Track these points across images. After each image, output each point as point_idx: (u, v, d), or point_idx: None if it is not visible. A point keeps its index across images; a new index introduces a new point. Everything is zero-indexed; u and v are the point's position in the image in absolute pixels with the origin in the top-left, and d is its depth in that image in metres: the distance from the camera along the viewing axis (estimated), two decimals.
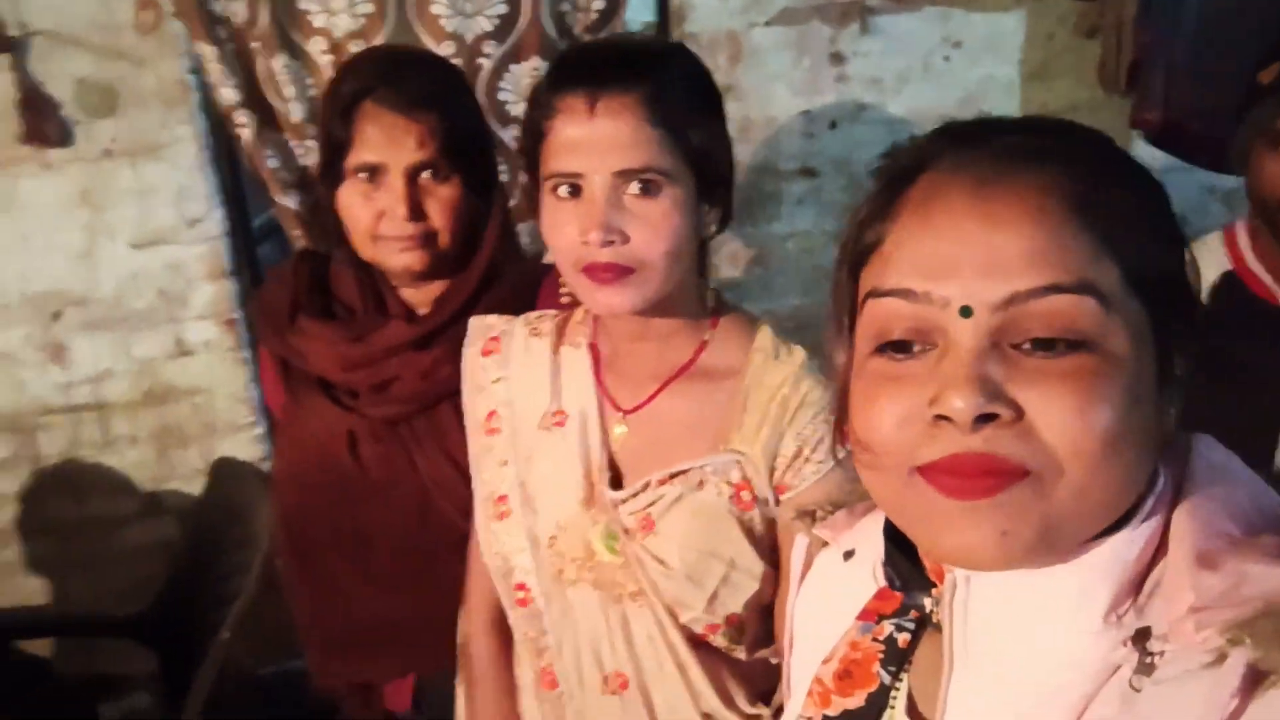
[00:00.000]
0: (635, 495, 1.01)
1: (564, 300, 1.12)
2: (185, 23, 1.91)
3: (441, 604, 1.21)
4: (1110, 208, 0.52)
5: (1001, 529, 0.49)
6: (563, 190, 0.94)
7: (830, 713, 0.64)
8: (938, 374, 0.51)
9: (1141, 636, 0.51)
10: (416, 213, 1.19)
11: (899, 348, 0.54)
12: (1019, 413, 0.49)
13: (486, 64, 1.90)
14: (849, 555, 0.69)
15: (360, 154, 1.18)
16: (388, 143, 1.17)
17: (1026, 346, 0.50)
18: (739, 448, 1.00)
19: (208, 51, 1.90)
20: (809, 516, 0.73)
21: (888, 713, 0.62)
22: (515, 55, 1.90)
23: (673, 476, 1.00)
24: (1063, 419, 0.49)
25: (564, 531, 1.05)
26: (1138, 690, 0.50)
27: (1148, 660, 0.50)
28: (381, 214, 1.19)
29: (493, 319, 1.15)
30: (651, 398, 1.04)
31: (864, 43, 2.14)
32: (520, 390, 1.10)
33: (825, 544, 0.73)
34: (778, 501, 1.00)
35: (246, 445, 2.17)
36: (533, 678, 1.11)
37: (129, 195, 2.01)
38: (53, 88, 1.95)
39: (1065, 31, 2.17)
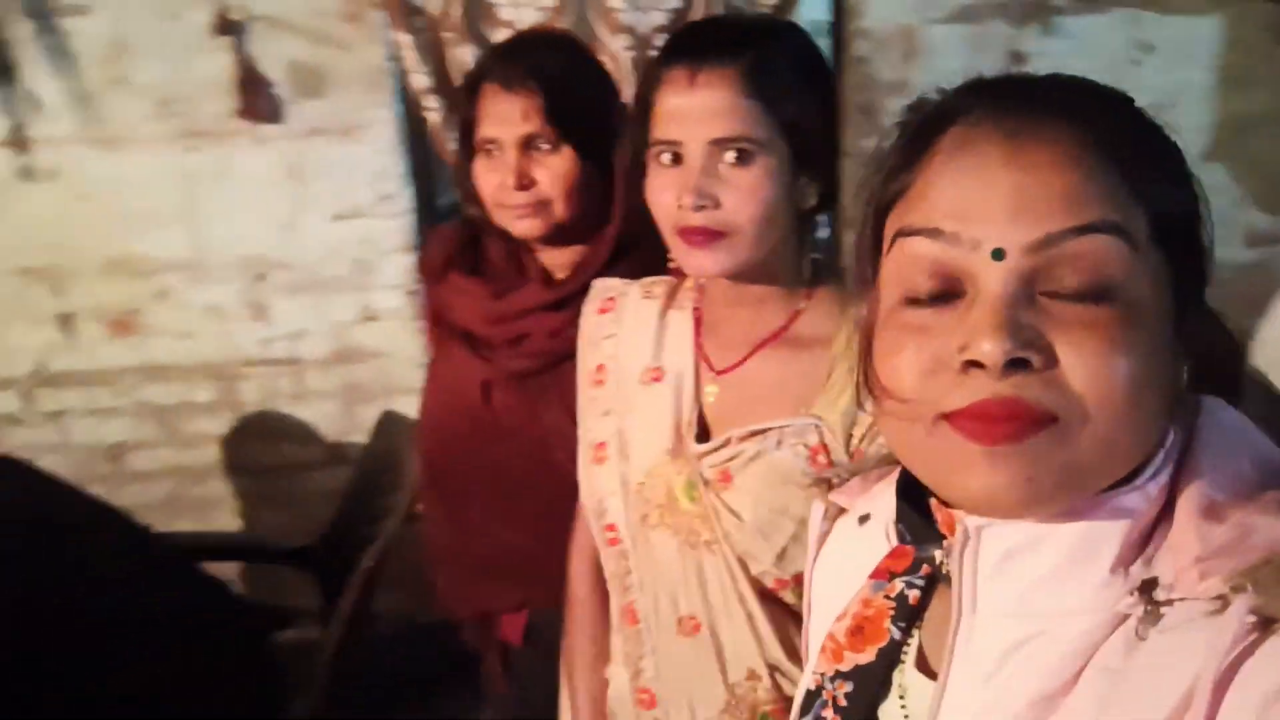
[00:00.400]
0: (717, 449, 1.06)
1: (671, 267, 1.17)
2: (386, 12, 2.05)
3: (556, 543, 1.29)
4: (1138, 157, 0.53)
5: (1026, 474, 0.50)
6: (665, 157, 1.00)
7: (842, 668, 0.65)
8: (967, 321, 0.51)
9: (1148, 587, 0.51)
10: (526, 181, 1.28)
11: (927, 289, 0.53)
12: (1049, 359, 0.50)
13: None
14: (864, 520, 0.70)
15: (482, 129, 1.30)
16: (499, 118, 1.28)
17: (1058, 292, 0.50)
18: (819, 413, 1.03)
19: (404, 40, 2.04)
20: (824, 483, 0.75)
21: (899, 668, 0.63)
22: None
23: (753, 434, 1.04)
24: (1092, 366, 0.49)
25: (651, 478, 1.10)
26: (1143, 639, 0.50)
27: (1152, 610, 0.51)
28: (501, 184, 1.29)
29: (615, 282, 1.22)
30: (743, 360, 1.08)
31: (1047, 43, 2.10)
32: (627, 346, 1.16)
33: (842, 510, 0.73)
34: None
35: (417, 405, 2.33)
36: (618, 612, 1.18)
37: (330, 171, 2.18)
38: (267, 68, 2.13)
39: (1267, 39, 2.07)
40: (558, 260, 1.39)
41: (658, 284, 1.19)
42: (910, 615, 0.62)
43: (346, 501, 2.14)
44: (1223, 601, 0.48)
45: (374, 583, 1.75)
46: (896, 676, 0.62)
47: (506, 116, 1.28)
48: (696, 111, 0.97)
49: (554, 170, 1.29)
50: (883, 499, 0.67)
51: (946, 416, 0.51)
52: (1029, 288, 0.51)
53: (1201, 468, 0.53)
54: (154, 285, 2.26)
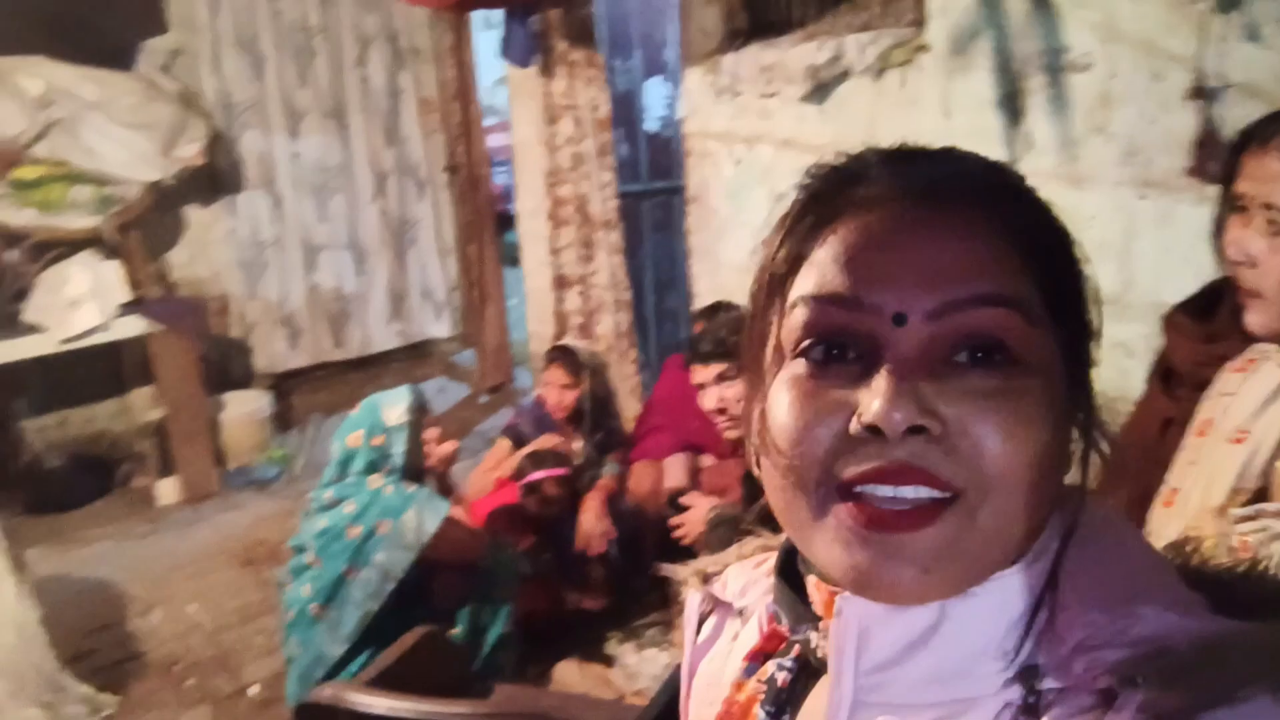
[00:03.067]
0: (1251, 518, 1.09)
1: None
2: None
3: None
4: (1032, 234, 0.53)
5: (924, 565, 0.48)
6: None
7: None
8: (866, 383, 0.50)
9: (1029, 674, 0.50)
10: None
11: (825, 352, 0.52)
12: (947, 429, 0.48)
13: None
14: (741, 612, 0.67)
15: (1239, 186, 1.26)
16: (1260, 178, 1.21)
17: (958, 361, 0.50)
18: None
19: None
20: (702, 574, 0.71)
21: None
22: None
23: None
24: (989, 439, 0.48)
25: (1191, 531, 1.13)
26: None
27: (1032, 700, 0.49)
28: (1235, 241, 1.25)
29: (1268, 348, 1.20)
30: None
31: None
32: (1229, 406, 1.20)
33: (718, 602, 0.69)
34: None
35: None
36: None
37: None
38: (1227, 132, 2.18)
39: None
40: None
41: None
42: (779, 698, 0.59)
43: None
44: (1109, 695, 0.46)
45: None
46: None
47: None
48: None
49: None
50: (759, 588, 0.66)
51: (839, 488, 0.50)
52: (929, 355, 0.50)
53: (1086, 556, 0.51)
54: None
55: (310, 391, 5.21)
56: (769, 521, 0.59)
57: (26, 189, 3.83)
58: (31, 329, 3.91)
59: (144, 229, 4.33)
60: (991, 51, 2.57)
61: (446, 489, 2.84)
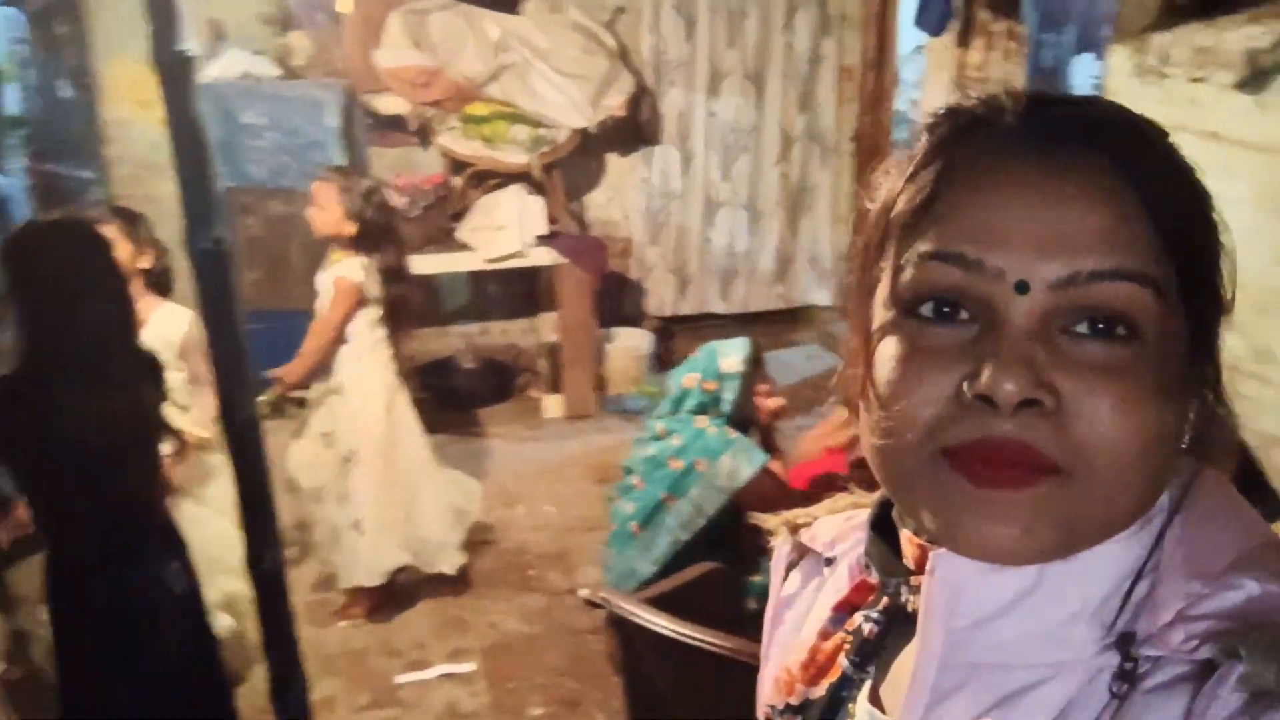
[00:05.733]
0: None
1: None
2: None
3: None
4: (1174, 202, 0.48)
5: (1025, 525, 0.47)
6: None
7: (792, 701, 0.61)
8: (978, 349, 0.47)
9: (1125, 641, 0.49)
10: None
11: (939, 312, 0.49)
12: (1060, 403, 0.46)
13: None
14: (829, 562, 0.65)
15: None
16: None
17: (1078, 331, 0.47)
18: None
19: None
20: (792, 524, 0.70)
21: (850, 705, 0.59)
22: None
23: None
24: (1105, 418, 0.46)
25: None
26: (1118, 696, 0.47)
27: (1129, 666, 0.48)
28: None
29: None
30: None
31: None
32: None
33: (807, 551, 0.68)
34: None
35: None
36: None
37: None
38: None
39: None
40: None
41: None
42: (865, 649, 0.59)
43: None
44: (1207, 665, 0.46)
45: None
46: (850, 711, 0.60)
47: None
48: None
49: None
50: (849, 541, 0.65)
51: (947, 452, 0.48)
52: (1049, 326, 0.47)
53: (1191, 527, 0.50)
54: None
55: (690, 338, 5.50)
56: (868, 479, 0.59)
57: (477, 123, 4.43)
58: (463, 247, 4.53)
59: (567, 170, 4.83)
60: None
61: (771, 444, 2.91)
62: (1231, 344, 0.53)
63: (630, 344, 5.10)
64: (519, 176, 4.61)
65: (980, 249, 0.48)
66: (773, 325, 5.57)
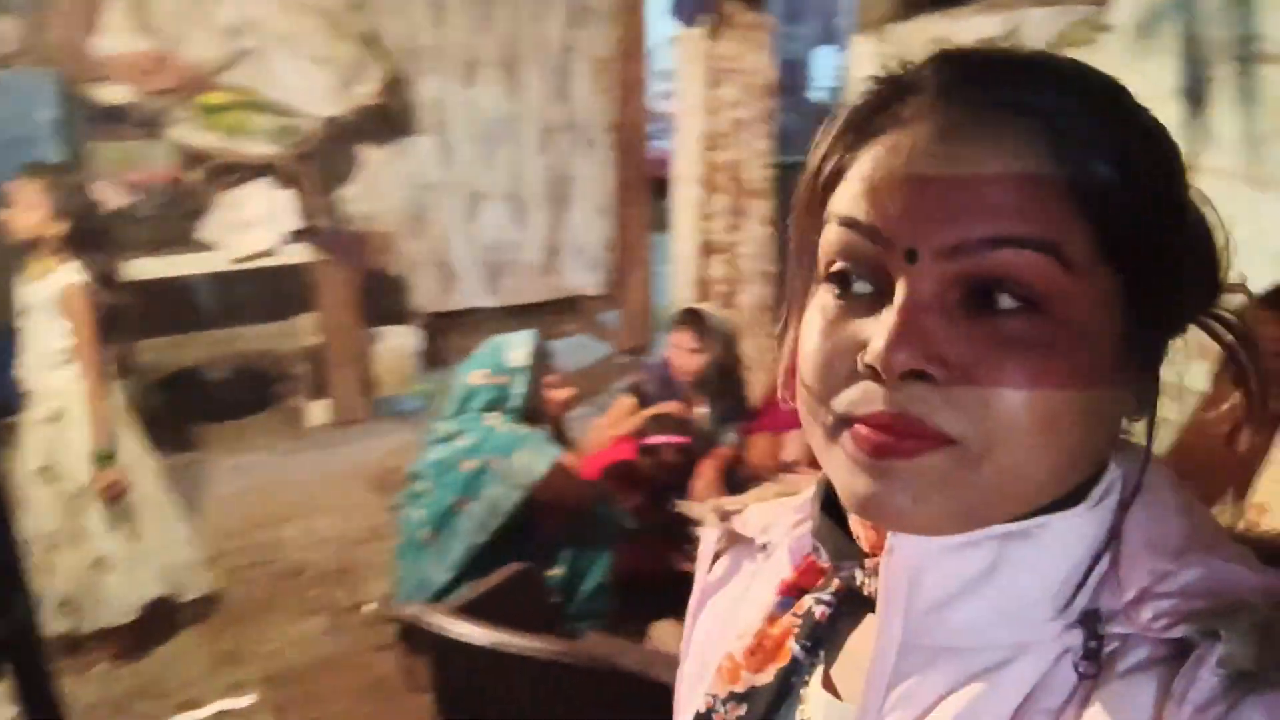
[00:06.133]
0: None
1: None
2: None
3: None
4: (1099, 168, 0.45)
5: (915, 494, 0.45)
6: None
7: (737, 689, 0.58)
8: (873, 320, 0.46)
9: (1090, 619, 0.47)
10: None
11: (845, 279, 0.49)
12: (954, 375, 0.44)
13: None
14: (763, 548, 0.64)
15: None
16: None
17: (973, 303, 0.45)
18: None
19: None
20: (720, 511, 0.68)
21: (802, 690, 0.57)
22: None
23: None
24: (1000, 389, 0.44)
25: None
26: (1086, 676, 0.46)
27: (1094, 645, 0.47)
28: None
29: None
30: None
31: None
32: None
33: (736, 538, 0.66)
34: None
35: None
36: None
37: None
38: None
39: None
40: None
41: None
42: (816, 634, 0.57)
43: None
44: (1179, 646, 0.44)
45: None
46: (801, 697, 0.57)
47: None
48: None
49: None
50: (781, 526, 0.63)
51: (846, 420, 0.47)
52: (944, 295, 0.46)
53: (1149, 509, 0.49)
54: None
55: (460, 333, 5.38)
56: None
57: (213, 113, 4.09)
58: (205, 247, 4.19)
59: (319, 162, 4.57)
60: (1178, 35, 2.38)
61: (562, 436, 2.88)
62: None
63: (398, 342, 4.92)
64: (266, 169, 4.31)
65: (873, 215, 0.47)
66: (543, 317, 5.53)
